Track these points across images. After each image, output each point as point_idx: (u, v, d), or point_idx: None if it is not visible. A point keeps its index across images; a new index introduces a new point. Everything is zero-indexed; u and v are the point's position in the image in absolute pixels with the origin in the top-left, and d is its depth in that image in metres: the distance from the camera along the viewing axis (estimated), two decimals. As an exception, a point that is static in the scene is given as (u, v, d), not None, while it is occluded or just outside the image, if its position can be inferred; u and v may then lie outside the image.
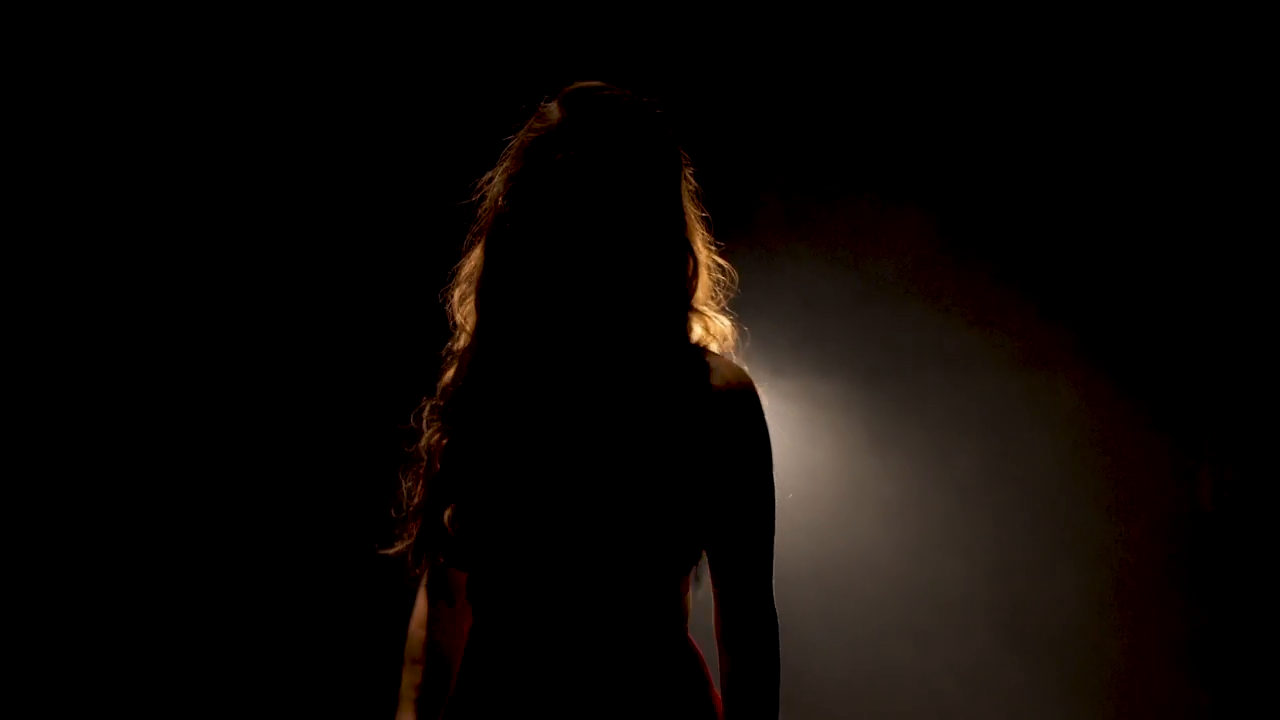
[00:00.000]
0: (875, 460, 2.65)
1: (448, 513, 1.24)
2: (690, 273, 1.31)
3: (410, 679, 1.37)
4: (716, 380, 1.28)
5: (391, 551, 1.32)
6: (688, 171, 1.33)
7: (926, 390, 2.67)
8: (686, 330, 1.32)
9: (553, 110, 1.27)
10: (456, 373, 1.31)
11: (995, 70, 2.55)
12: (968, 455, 2.67)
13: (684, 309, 1.31)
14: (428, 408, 1.33)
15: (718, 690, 1.30)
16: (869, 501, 2.67)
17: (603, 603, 1.24)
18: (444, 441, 1.28)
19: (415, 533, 1.28)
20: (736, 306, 1.39)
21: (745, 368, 1.35)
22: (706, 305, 1.36)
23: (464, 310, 1.34)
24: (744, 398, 1.28)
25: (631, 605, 1.25)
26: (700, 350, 1.33)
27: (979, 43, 2.52)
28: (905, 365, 2.68)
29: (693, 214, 1.33)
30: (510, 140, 1.31)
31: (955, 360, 2.66)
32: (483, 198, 1.34)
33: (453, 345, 1.37)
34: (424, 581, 1.40)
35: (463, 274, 1.35)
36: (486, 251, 1.30)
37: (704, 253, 1.35)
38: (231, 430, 2.59)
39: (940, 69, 2.53)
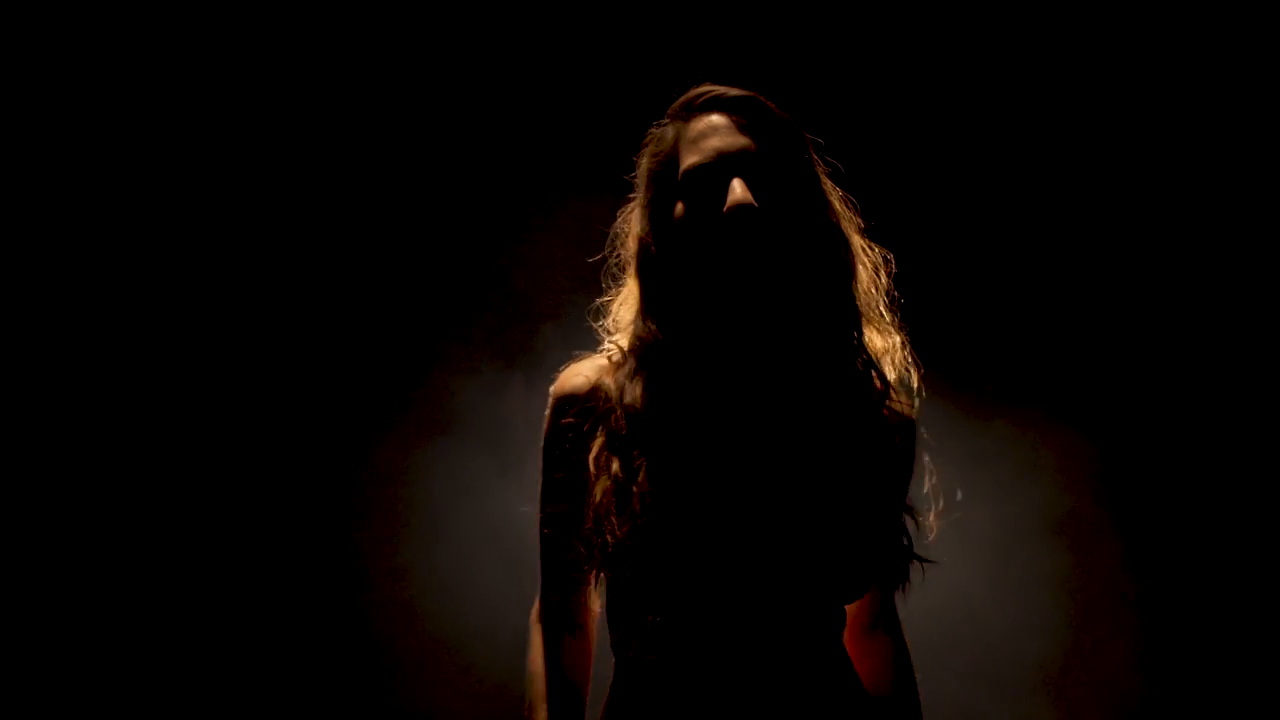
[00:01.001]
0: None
1: (651, 546, 1.16)
2: (845, 256, 1.26)
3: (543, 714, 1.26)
4: (895, 408, 1.28)
5: (593, 598, 1.26)
6: (818, 154, 1.28)
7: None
8: (859, 329, 1.26)
9: (668, 131, 1.26)
10: (641, 400, 1.23)
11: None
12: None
13: (849, 303, 1.26)
14: (602, 439, 1.22)
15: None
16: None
17: (792, 621, 1.19)
18: (641, 474, 1.18)
19: (625, 565, 1.18)
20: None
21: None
22: (871, 302, 1.30)
23: (623, 339, 1.30)
24: (913, 431, 1.32)
25: (819, 621, 1.22)
26: (874, 362, 1.27)
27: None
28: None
29: (835, 196, 1.28)
30: (634, 175, 1.30)
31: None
32: (623, 235, 1.33)
33: (577, 379, 1.29)
34: (537, 614, 1.30)
35: (618, 310, 1.33)
36: (641, 280, 1.27)
37: (856, 237, 1.30)
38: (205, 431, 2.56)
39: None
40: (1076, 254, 2.57)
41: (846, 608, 1.31)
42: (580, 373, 1.28)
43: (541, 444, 1.28)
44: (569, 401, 1.26)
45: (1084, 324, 2.59)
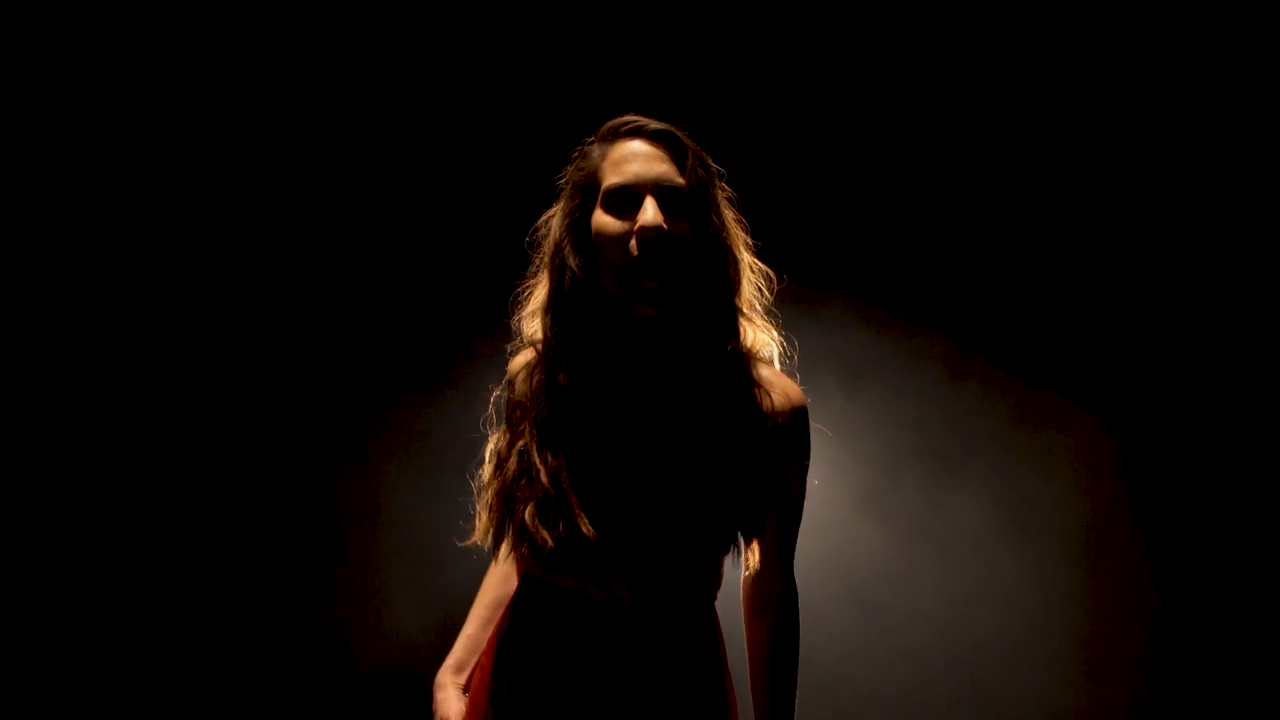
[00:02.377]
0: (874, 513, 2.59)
1: (529, 508, 1.38)
2: (733, 273, 1.45)
3: (483, 598, 1.63)
4: (773, 397, 1.45)
5: (470, 541, 1.48)
6: (721, 181, 1.47)
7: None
8: (737, 334, 1.46)
9: (593, 150, 1.44)
10: (535, 383, 1.45)
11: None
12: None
13: (731, 312, 1.45)
14: (511, 416, 1.46)
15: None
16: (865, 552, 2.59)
17: (650, 571, 1.40)
18: (519, 444, 1.42)
19: (496, 522, 1.43)
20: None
21: (795, 379, 1.51)
22: (753, 308, 1.50)
23: (531, 329, 1.50)
24: (796, 417, 1.47)
25: (674, 576, 1.43)
26: (749, 359, 1.47)
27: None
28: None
29: (730, 219, 1.47)
30: (561, 182, 1.48)
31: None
32: (544, 234, 1.50)
33: (521, 359, 1.51)
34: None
35: (530, 299, 1.51)
36: (553, 277, 1.45)
37: (745, 255, 1.49)
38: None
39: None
40: (1102, 249, 2.59)
41: (744, 586, 1.54)
42: (524, 355, 1.51)
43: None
44: (509, 379, 1.52)
45: (1114, 319, 2.57)
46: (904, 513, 2.55)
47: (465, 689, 1.56)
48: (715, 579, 1.48)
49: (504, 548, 1.48)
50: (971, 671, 2.49)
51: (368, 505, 2.64)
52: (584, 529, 1.35)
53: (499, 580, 1.62)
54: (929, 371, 2.61)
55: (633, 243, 1.36)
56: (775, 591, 1.53)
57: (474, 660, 1.57)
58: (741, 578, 1.56)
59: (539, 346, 1.47)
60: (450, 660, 1.59)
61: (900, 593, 2.53)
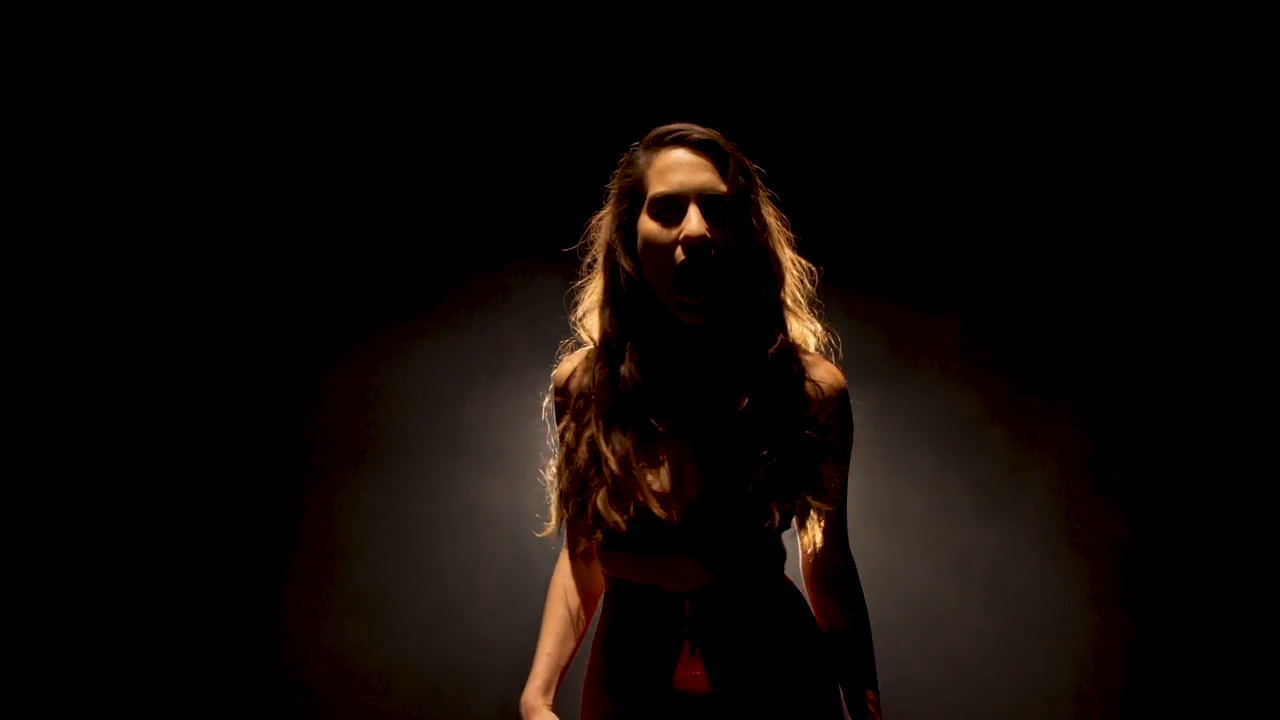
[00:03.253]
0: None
1: (600, 494, 1.47)
2: (776, 271, 1.54)
3: (554, 613, 1.66)
4: (820, 383, 1.56)
5: (546, 533, 1.59)
6: (761, 182, 1.55)
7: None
8: (785, 328, 1.55)
9: (639, 157, 1.52)
10: (598, 376, 1.53)
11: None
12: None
13: (777, 308, 1.55)
14: (568, 417, 1.56)
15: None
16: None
17: (719, 553, 1.49)
18: (587, 434, 1.52)
19: (572, 510, 1.52)
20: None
21: (838, 368, 1.61)
22: (797, 302, 1.60)
23: (589, 324, 1.61)
24: (842, 399, 1.58)
25: (748, 555, 1.52)
26: (796, 350, 1.56)
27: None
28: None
29: (772, 216, 1.56)
30: (609, 187, 1.57)
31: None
32: (594, 237, 1.60)
33: (568, 363, 1.62)
34: (565, 546, 1.67)
35: (586, 297, 1.62)
36: (606, 277, 1.55)
37: (786, 252, 1.58)
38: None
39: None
40: (1110, 249, 2.59)
41: (806, 565, 1.64)
42: (570, 361, 1.63)
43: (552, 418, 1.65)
44: (557, 387, 1.62)
45: (1123, 322, 2.57)
46: (902, 512, 2.56)
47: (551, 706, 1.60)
48: (781, 553, 1.58)
49: (557, 541, 1.58)
50: (975, 672, 2.53)
51: (319, 534, 2.63)
52: (654, 510, 1.45)
53: (561, 596, 1.68)
54: (925, 369, 2.63)
55: (678, 250, 1.44)
56: (838, 565, 1.63)
57: (556, 678, 1.62)
58: (802, 558, 1.65)
59: (599, 342, 1.56)
60: (536, 682, 1.59)
61: (901, 592, 2.56)
